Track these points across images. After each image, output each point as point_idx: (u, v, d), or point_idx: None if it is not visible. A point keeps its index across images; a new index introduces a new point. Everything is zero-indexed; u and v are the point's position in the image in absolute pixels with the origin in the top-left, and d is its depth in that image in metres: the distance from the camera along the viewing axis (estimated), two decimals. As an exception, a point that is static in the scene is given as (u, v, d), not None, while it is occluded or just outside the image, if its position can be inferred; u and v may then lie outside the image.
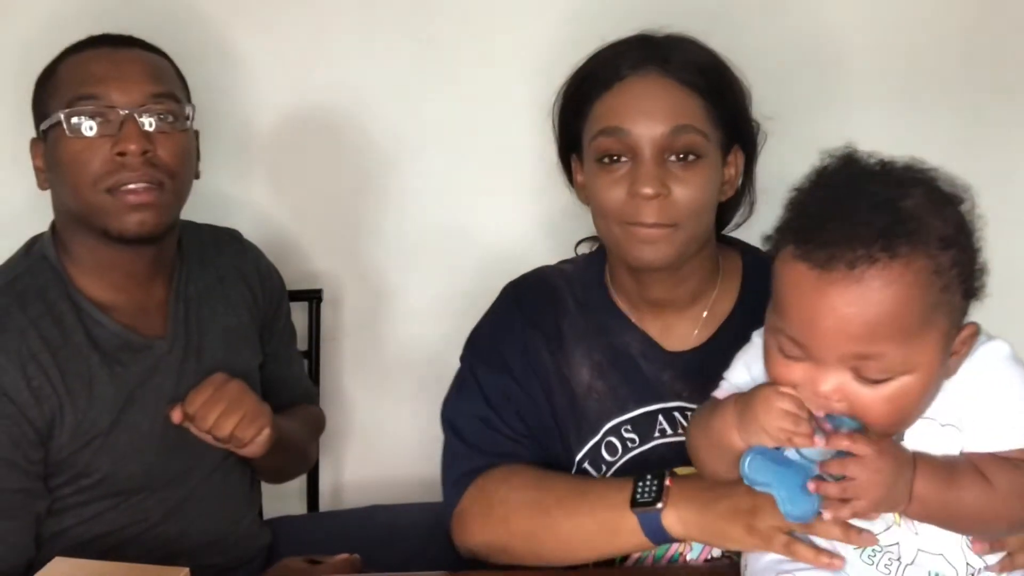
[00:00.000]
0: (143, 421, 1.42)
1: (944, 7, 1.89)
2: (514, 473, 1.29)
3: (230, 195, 1.88)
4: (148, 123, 1.37)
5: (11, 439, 1.34)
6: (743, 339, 1.12)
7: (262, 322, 1.63)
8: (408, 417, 1.98)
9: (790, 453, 0.98)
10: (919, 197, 0.94)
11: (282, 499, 1.86)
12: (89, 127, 1.36)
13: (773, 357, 0.99)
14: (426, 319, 1.99)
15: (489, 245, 1.95)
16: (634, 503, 1.17)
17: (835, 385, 0.95)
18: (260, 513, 1.72)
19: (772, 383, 1.00)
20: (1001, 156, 1.90)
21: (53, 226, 1.47)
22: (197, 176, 1.50)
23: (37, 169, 1.45)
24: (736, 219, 1.42)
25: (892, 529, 1.02)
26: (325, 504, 1.99)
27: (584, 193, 1.34)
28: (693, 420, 1.10)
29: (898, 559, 1.02)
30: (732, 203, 1.38)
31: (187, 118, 1.44)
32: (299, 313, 1.84)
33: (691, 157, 1.24)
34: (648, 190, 1.22)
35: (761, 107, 1.36)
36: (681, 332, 1.34)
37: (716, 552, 1.26)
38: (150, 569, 1.11)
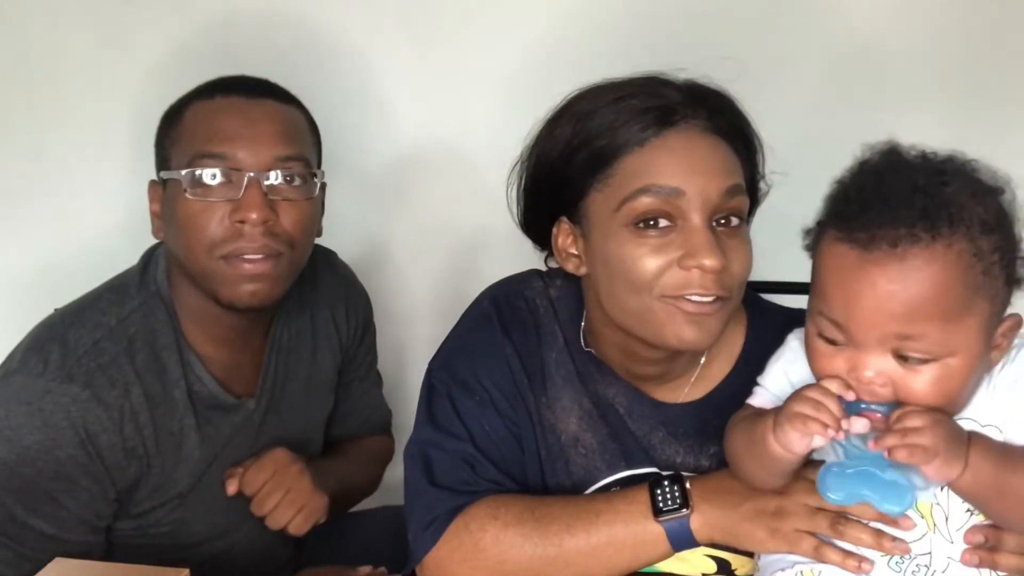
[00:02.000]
0: (219, 481, 1.40)
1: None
2: (501, 507, 1.17)
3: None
4: (274, 176, 1.31)
5: (91, 498, 1.31)
6: (743, 395, 1.10)
7: (344, 359, 1.61)
8: (411, 417, 1.96)
9: (849, 453, 0.95)
10: (960, 185, 0.95)
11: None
12: (211, 186, 1.29)
13: (815, 346, 1.00)
14: (425, 320, 1.97)
15: (491, 247, 1.93)
16: (658, 512, 1.12)
17: (878, 370, 0.95)
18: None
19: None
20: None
21: (169, 256, 1.41)
22: (319, 234, 1.44)
23: (153, 214, 1.38)
24: None
25: (927, 536, 1.02)
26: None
27: (575, 261, 1.20)
28: (731, 430, 1.09)
29: (927, 566, 1.02)
30: None
31: (315, 178, 1.37)
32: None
33: (734, 221, 1.13)
34: (713, 262, 1.08)
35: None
36: (673, 386, 1.25)
37: None
38: (150, 570, 1.11)
